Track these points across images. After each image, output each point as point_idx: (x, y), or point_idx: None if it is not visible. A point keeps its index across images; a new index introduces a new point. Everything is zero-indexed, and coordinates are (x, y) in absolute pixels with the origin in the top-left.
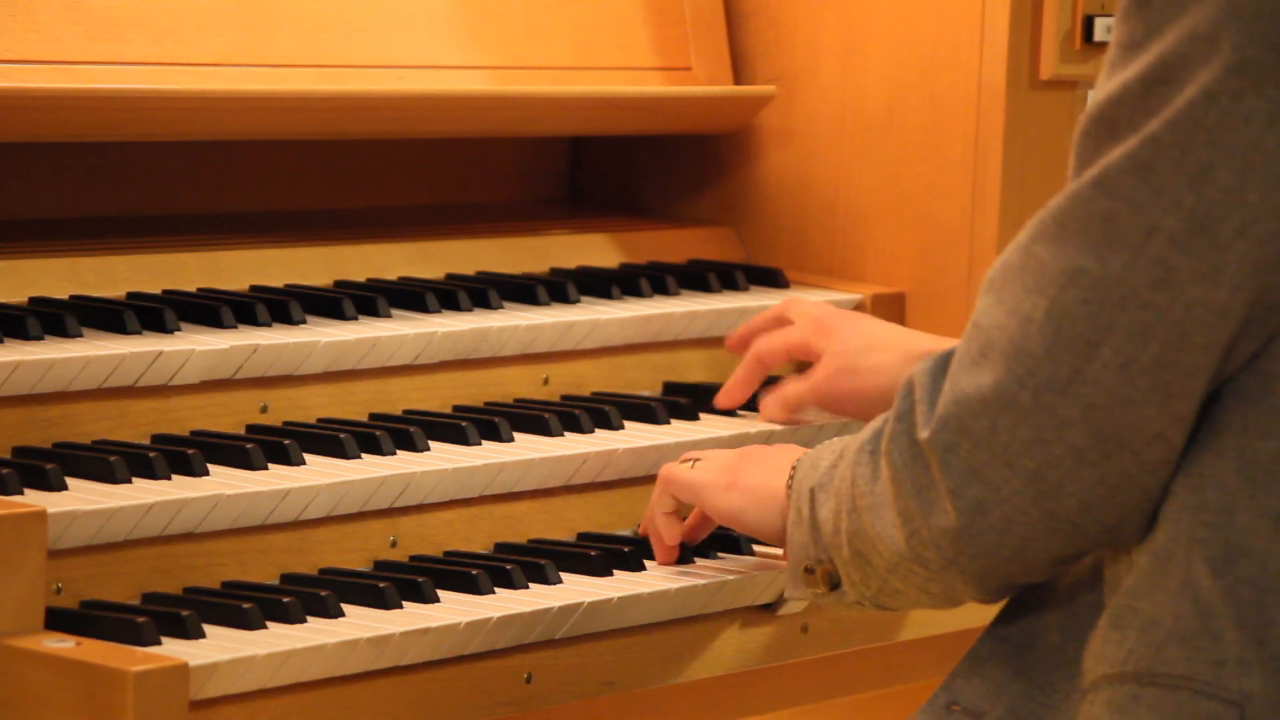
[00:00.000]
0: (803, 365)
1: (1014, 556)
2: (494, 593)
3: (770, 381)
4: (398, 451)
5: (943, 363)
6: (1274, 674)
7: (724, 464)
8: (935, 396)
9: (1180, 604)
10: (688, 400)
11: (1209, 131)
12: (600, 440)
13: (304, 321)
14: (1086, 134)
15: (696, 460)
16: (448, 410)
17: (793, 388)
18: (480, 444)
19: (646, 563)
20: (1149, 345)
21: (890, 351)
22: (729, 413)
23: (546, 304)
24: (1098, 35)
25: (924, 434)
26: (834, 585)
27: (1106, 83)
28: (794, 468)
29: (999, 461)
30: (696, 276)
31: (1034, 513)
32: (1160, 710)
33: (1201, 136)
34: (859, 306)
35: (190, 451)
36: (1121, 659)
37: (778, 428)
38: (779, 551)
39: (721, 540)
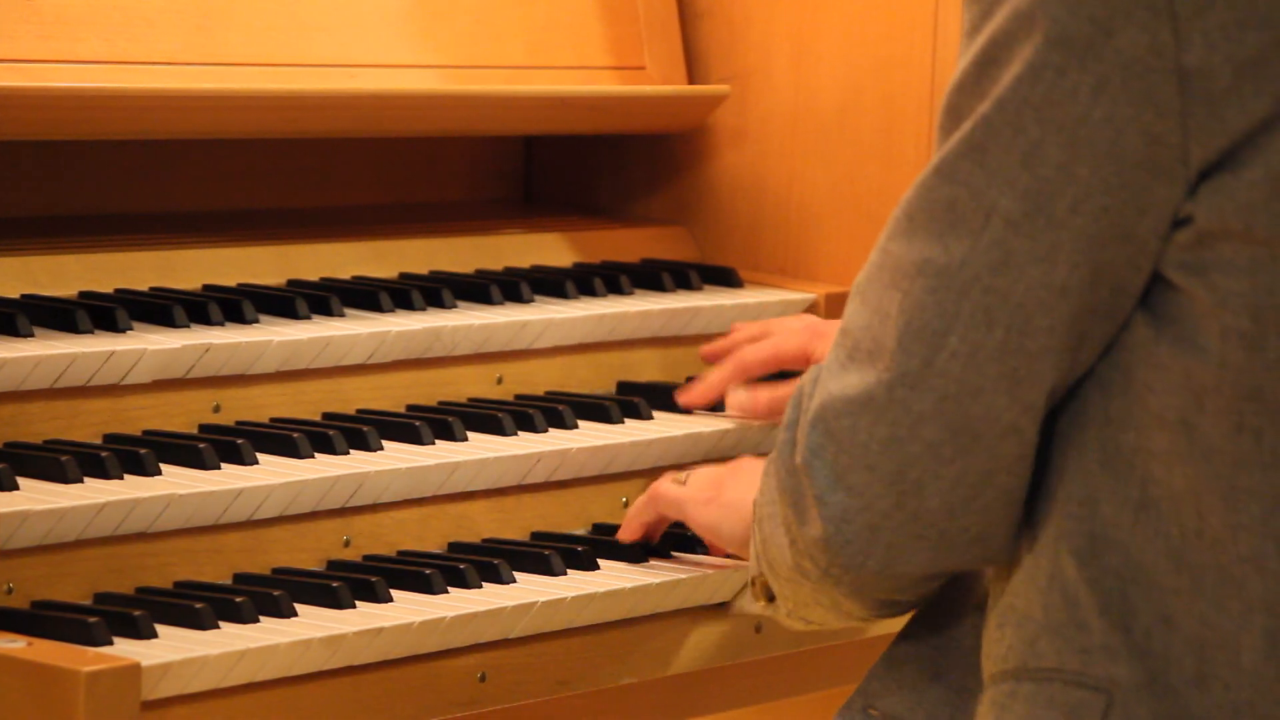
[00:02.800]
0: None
1: (883, 569)
2: (448, 592)
3: None
4: (351, 451)
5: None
6: (1139, 660)
7: (709, 479)
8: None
9: (1050, 596)
10: (641, 400)
11: (1035, 108)
12: (554, 440)
13: (257, 321)
14: (940, 128)
15: (690, 474)
16: (401, 410)
17: (779, 388)
18: (434, 443)
19: (600, 562)
20: (994, 331)
21: None
22: (684, 411)
23: (500, 303)
24: None
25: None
26: (771, 597)
27: (954, 75)
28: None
29: (860, 465)
30: (650, 276)
31: (898, 517)
32: (1034, 703)
33: (1029, 114)
34: (812, 306)
35: (142, 451)
36: (1002, 656)
37: (730, 426)
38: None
39: (676, 540)
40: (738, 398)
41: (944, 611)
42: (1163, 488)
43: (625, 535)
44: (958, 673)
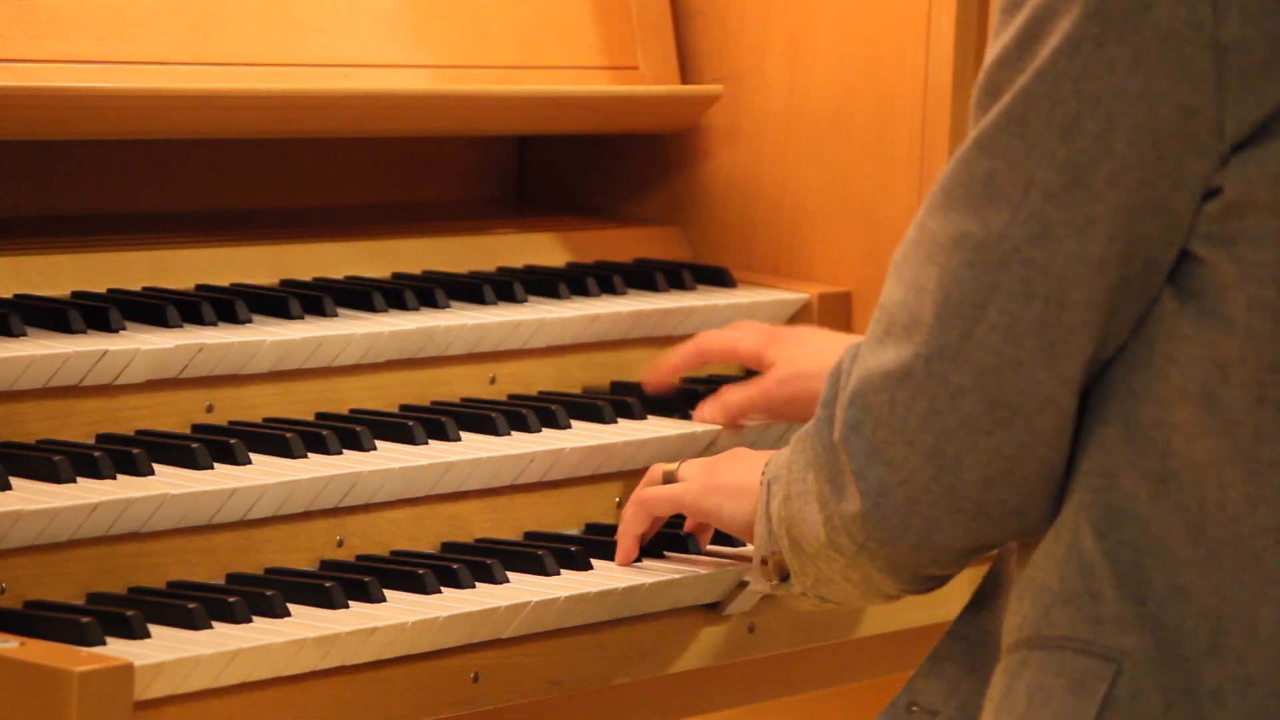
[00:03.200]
0: (748, 376)
1: (921, 542)
2: (441, 592)
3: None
4: (344, 451)
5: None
6: (1150, 632)
7: (705, 467)
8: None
9: (1066, 567)
10: (635, 400)
11: (1074, 80)
12: (547, 439)
13: (250, 321)
14: (977, 104)
15: (672, 473)
16: (394, 409)
17: (737, 393)
18: (427, 443)
19: (594, 562)
20: (1032, 303)
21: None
22: (678, 412)
23: (493, 303)
24: None
25: (838, 418)
26: (784, 576)
27: (990, 51)
28: (768, 463)
29: (899, 439)
30: (644, 276)
31: (936, 490)
32: (1043, 670)
33: (1067, 86)
34: (805, 306)
35: (135, 451)
36: (1017, 626)
37: (722, 429)
38: (727, 550)
39: (669, 540)
40: (709, 413)
41: (984, 607)
42: (1183, 460)
43: (623, 558)
44: (992, 664)
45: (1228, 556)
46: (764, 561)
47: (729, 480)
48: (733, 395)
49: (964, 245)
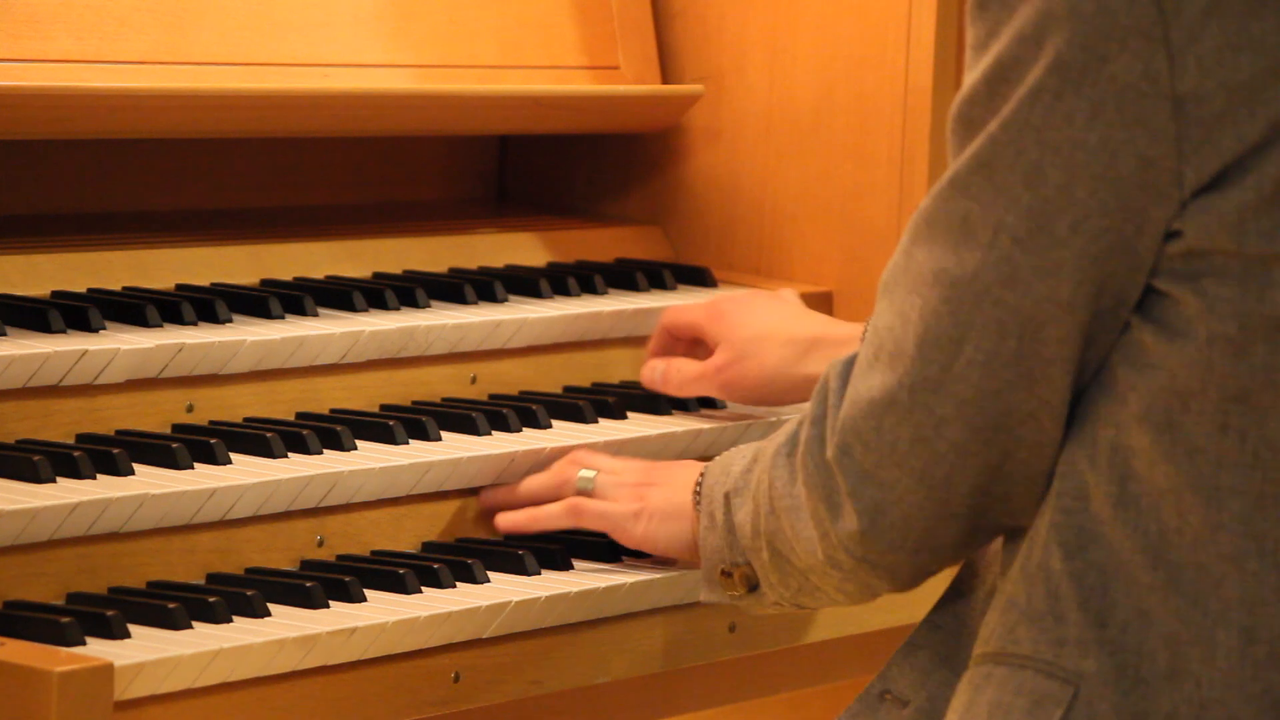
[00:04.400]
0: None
1: (920, 547)
2: (421, 592)
3: None
4: (324, 451)
5: (850, 365)
6: (1110, 655)
7: (630, 490)
8: (840, 401)
9: (1034, 586)
10: (616, 399)
11: (1036, 130)
12: (528, 439)
13: (230, 320)
14: (952, 133)
15: (595, 472)
16: (375, 409)
17: (689, 368)
18: (408, 443)
19: (574, 561)
20: (1007, 340)
21: (778, 340)
22: (658, 412)
23: (474, 303)
24: None
25: (832, 435)
26: (752, 587)
27: (965, 82)
28: (700, 479)
29: (889, 462)
30: (624, 275)
31: (929, 506)
32: (1004, 688)
33: (1030, 135)
34: None
35: (115, 451)
36: (985, 639)
37: (706, 427)
38: None
39: None
40: (655, 379)
41: (958, 596)
42: (1143, 484)
43: (517, 525)
44: (964, 656)
45: (1187, 581)
46: (726, 574)
47: (658, 505)
48: (686, 369)
49: (942, 280)
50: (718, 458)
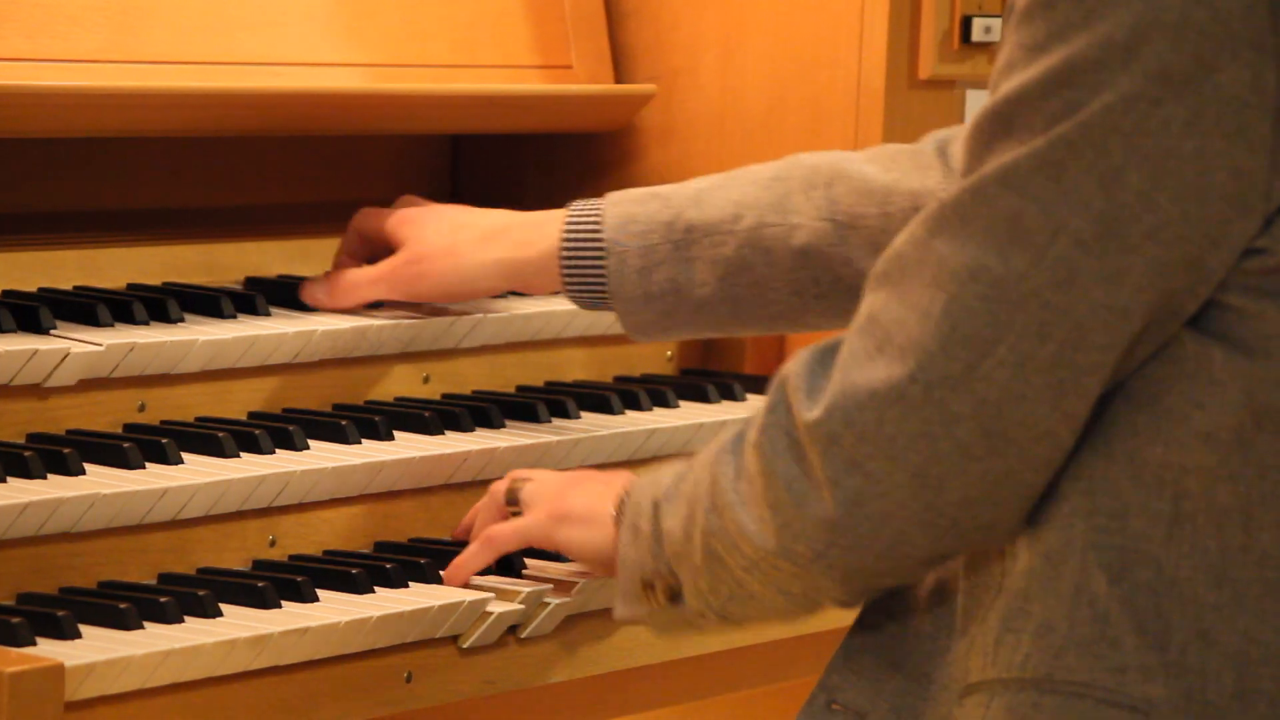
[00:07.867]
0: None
1: (887, 552)
2: (374, 592)
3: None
4: (277, 450)
5: (821, 356)
6: (1176, 680)
7: (550, 494)
8: (815, 387)
9: (1076, 610)
10: (569, 399)
11: (1125, 135)
12: (481, 439)
13: (182, 320)
14: (980, 129)
15: (516, 492)
16: (327, 409)
17: (360, 272)
18: (360, 443)
19: (528, 561)
20: (1046, 344)
21: (468, 229)
22: (612, 411)
23: None
24: (975, 35)
25: (809, 417)
26: (674, 598)
27: (1005, 81)
28: (626, 491)
29: (882, 455)
30: None
31: (913, 506)
32: (1062, 717)
33: (1117, 140)
34: None
35: (66, 451)
36: (1019, 664)
37: (662, 425)
38: None
39: None
40: (320, 295)
41: (899, 598)
42: (1199, 502)
43: (456, 583)
44: (916, 660)
45: (1254, 599)
46: (648, 586)
47: (580, 510)
48: (355, 274)
49: (980, 279)
50: (644, 474)
